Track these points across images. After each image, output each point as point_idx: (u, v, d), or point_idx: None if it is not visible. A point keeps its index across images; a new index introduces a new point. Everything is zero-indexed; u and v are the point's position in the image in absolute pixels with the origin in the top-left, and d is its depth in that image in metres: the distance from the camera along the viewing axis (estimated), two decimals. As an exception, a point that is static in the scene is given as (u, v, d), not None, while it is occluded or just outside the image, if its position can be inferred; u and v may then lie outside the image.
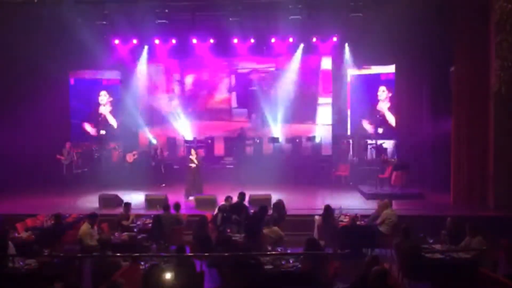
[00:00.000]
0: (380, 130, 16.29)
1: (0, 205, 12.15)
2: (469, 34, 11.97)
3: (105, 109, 17.76)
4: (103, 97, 17.70)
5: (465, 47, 12.12)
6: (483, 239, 7.64)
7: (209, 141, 17.31)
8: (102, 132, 17.29)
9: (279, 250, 8.07)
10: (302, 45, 16.76)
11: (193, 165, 13.74)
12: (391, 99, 16.49)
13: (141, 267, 7.23)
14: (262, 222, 9.13)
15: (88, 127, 17.69)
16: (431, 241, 8.20)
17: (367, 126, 16.76)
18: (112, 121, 17.77)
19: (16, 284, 7.16)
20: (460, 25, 12.18)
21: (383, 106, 16.65)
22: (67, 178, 15.19)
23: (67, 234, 9.28)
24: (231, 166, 16.30)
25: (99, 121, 17.65)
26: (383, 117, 16.48)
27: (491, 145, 11.68)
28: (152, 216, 9.97)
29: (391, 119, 16.39)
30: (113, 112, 17.77)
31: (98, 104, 17.68)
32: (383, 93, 16.68)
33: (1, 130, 14.66)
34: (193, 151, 14.09)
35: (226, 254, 7.47)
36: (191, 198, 13.13)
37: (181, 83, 18.12)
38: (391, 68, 16.31)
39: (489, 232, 8.05)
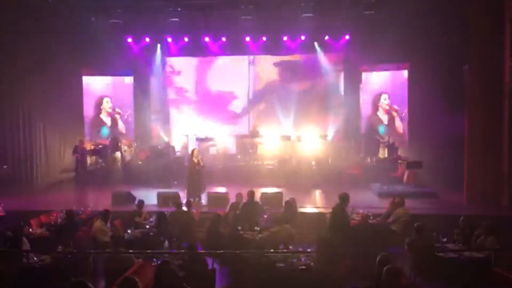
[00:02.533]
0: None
1: (14, 201, 12.27)
2: (483, 32, 11.82)
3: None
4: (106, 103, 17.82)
5: (479, 44, 11.95)
6: (496, 238, 7.57)
7: (221, 138, 17.32)
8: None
9: (290, 248, 8.07)
10: (315, 43, 16.73)
11: (198, 167, 12.81)
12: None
13: (153, 263, 7.28)
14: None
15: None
16: (444, 240, 8.16)
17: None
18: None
19: (31, 279, 7.25)
20: (474, 22, 12.03)
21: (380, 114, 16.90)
22: (80, 175, 15.32)
23: (80, 230, 9.38)
24: (243, 164, 16.30)
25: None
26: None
27: (505, 143, 11.52)
28: (157, 212, 10.00)
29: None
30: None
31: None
32: (384, 100, 16.88)
33: (15, 128, 14.79)
34: (196, 151, 13.13)
35: (238, 252, 7.49)
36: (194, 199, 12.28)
37: (193, 80, 18.18)
38: (403, 67, 16.25)
39: (503, 231, 7.96)
